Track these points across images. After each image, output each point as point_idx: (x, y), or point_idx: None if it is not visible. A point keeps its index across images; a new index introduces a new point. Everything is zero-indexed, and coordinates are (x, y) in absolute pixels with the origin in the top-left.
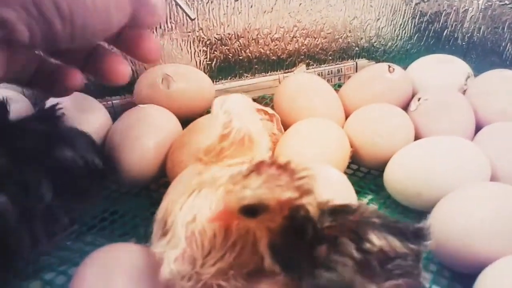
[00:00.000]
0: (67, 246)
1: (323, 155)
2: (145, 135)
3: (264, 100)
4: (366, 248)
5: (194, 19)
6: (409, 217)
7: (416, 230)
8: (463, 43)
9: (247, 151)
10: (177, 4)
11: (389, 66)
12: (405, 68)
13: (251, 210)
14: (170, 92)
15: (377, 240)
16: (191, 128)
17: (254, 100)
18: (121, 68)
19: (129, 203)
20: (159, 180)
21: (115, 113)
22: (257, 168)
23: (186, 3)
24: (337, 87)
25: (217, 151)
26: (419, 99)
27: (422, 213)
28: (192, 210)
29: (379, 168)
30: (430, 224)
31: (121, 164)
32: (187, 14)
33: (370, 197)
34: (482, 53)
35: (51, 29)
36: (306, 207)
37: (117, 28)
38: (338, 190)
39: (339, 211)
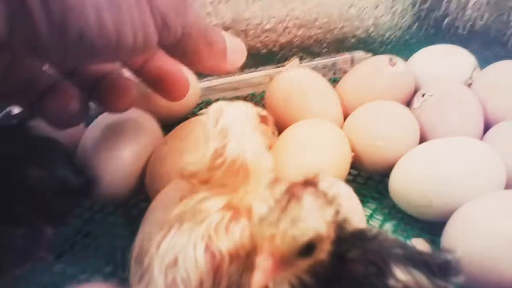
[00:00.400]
0: (31, 278)
1: (323, 163)
2: (120, 144)
3: (254, 98)
4: (391, 284)
5: None
6: (419, 229)
7: (444, 264)
8: (465, 32)
9: (241, 180)
10: None
11: (390, 59)
12: (405, 59)
13: (308, 247)
14: (148, 91)
15: (401, 275)
16: (173, 134)
17: (244, 98)
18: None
19: (104, 222)
20: (139, 195)
21: (90, 118)
22: (293, 193)
23: None
24: (332, 82)
25: (204, 178)
26: (423, 95)
27: (434, 224)
28: (172, 250)
29: (382, 172)
30: (460, 258)
31: (96, 177)
32: None
33: (373, 206)
34: (485, 43)
35: (35, 31)
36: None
37: (134, 54)
38: (345, 206)
39: (357, 238)
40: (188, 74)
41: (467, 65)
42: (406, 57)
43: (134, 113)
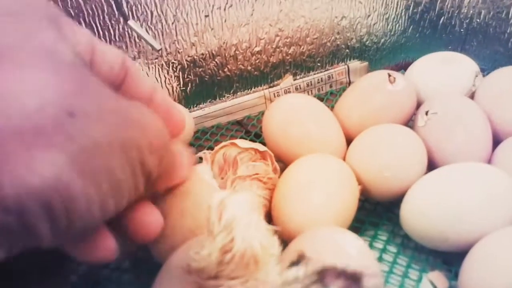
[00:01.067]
0: None
1: (330, 205)
2: None
3: (251, 121)
4: None
5: (160, 49)
6: (433, 256)
7: None
8: (461, 30)
9: (251, 271)
10: (139, 35)
11: (389, 75)
12: (400, 64)
13: None
14: None
15: None
16: (172, 193)
17: (239, 122)
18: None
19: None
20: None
21: None
22: (323, 280)
23: (147, 30)
24: (329, 95)
25: (213, 274)
26: (426, 113)
27: (452, 256)
28: None
29: (391, 200)
30: None
31: None
32: (151, 45)
33: (384, 237)
34: (484, 41)
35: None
36: None
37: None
38: (357, 261)
39: None
40: (177, 105)
41: (469, 72)
42: (402, 61)
43: None
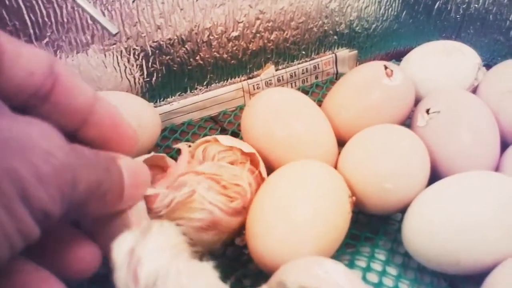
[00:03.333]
0: None
1: (318, 220)
2: None
3: (227, 118)
4: None
5: (117, 33)
6: (437, 278)
7: None
8: (457, 16)
9: None
10: (91, 17)
11: (386, 67)
12: (392, 53)
13: None
14: None
15: None
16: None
17: (214, 118)
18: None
19: None
20: None
21: None
22: None
23: (102, 11)
24: (315, 87)
25: None
26: (427, 111)
27: (458, 279)
28: None
29: (389, 214)
30: None
31: None
32: (106, 29)
33: (383, 256)
34: (482, 29)
35: None
36: None
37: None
38: None
39: None
40: (140, 101)
41: (471, 64)
42: (394, 50)
43: None
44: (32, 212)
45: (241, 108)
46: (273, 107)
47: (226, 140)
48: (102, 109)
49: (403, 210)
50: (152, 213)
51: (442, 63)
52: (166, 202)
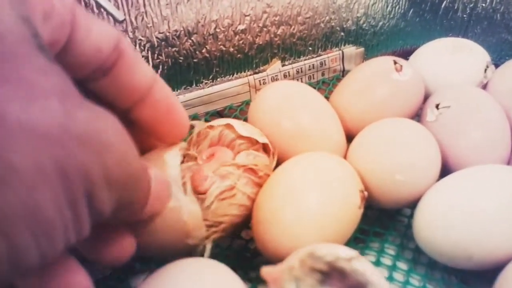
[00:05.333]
0: None
1: (329, 214)
2: None
3: (233, 112)
4: None
5: (123, 20)
6: (448, 273)
7: None
8: (464, 16)
9: None
10: (98, 4)
11: (395, 62)
12: (398, 52)
13: None
14: None
15: None
16: None
17: (219, 112)
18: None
19: None
20: None
21: None
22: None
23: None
24: (321, 84)
25: None
26: (437, 106)
27: (470, 275)
28: None
29: (399, 208)
30: None
31: None
32: (112, 16)
33: (392, 252)
34: (489, 28)
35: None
36: None
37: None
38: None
39: None
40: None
41: (480, 62)
42: (401, 49)
43: None
44: (91, 212)
45: (247, 103)
46: (281, 99)
47: (241, 128)
48: (160, 92)
49: (413, 204)
50: (197, 195)
51: (451, 60)
52: (215, 192)
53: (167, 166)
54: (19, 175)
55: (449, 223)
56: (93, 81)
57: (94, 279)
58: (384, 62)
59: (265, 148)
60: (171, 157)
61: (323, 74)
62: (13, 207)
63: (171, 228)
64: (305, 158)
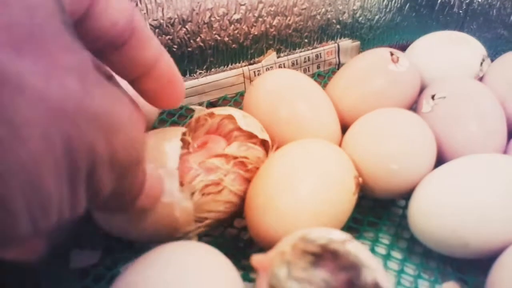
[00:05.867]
0: None
1: (323, 200)
2: None
3: (227, 103)
4: None
5: None
6: (443, 263)
7: None
8: (460, 12)
9: None
10: None
11: (392, 54)
12: (394, 46)
13: None
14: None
15: None
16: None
17: (212, 103)
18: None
19: None
20: None
21: None
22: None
23: None
24: (316, 77)
25: None
26: (433, 97)
27: (465, 263)
28: None
29: (394, 197)
30: None
31: None
32: None
33: (387, 241)
34: (485, 24)
35: None
36: None
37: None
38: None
39: None
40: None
41: (476, 56)
42: (397, 43)
43: None
44: (89, 190)
45: (241, 94)
46: (278, 86)
47: (243, 121)
48: (164, 64)
49: (408, 194)
50: (184, 187)
51: (447, 53)
52: (198, 186)
53: (167, 158)
54: (24, 139)
55: (445, 210)
56: (102, 55)
57: (84, 265)
58: (380, 53)
59: (263, 143)
60: (172, 148)
61: (318, 67)
62: (12, 169)
63: (162, 223)
64: (299, 144)
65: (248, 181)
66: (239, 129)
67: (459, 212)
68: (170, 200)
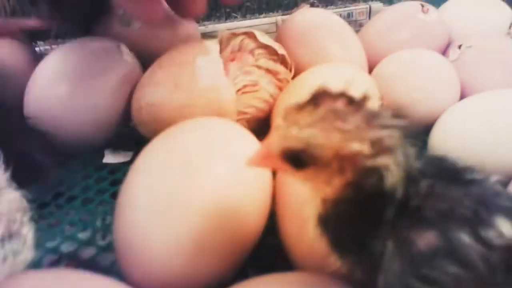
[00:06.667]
0: None
1: None
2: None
3: None
4: (489, 236)
5: None
6: None
7: None
8: None
9: None
10: None
11: (422, 5)
12: None
13: (298, 158)
14: (131, 31)
15: (509, 229)
16: (169, 59)
17: None
18: None
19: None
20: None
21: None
22: (316, 98)
23: None
24: None
25: None
26: (459, 47)
27: None
28: None
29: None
30: None
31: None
32: None
33: None
34: None
35: None
36: (382, 173)
37: None
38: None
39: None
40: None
41: (506, 16)
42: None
43: (100, 43)
44: None
45: None
46: (309, 24)
47: (261, 37)
48: None
49: (430, 126)
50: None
51: (477, 14)
52: (239, 85)
53: (209, 51)
54: None
55: (463, 137)
56: None
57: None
58: (411, 5)
59: (282, 62)
60: (212, 45)
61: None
62: None
63: (208, 106)
64: (328, 67)
65: (280, 88)
66: (260, 46)
67: (476, 140)
68: (216, 83)
